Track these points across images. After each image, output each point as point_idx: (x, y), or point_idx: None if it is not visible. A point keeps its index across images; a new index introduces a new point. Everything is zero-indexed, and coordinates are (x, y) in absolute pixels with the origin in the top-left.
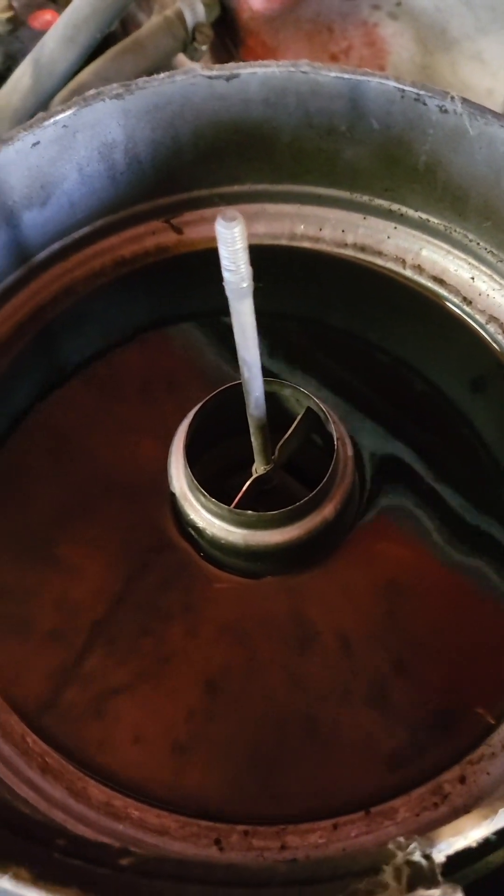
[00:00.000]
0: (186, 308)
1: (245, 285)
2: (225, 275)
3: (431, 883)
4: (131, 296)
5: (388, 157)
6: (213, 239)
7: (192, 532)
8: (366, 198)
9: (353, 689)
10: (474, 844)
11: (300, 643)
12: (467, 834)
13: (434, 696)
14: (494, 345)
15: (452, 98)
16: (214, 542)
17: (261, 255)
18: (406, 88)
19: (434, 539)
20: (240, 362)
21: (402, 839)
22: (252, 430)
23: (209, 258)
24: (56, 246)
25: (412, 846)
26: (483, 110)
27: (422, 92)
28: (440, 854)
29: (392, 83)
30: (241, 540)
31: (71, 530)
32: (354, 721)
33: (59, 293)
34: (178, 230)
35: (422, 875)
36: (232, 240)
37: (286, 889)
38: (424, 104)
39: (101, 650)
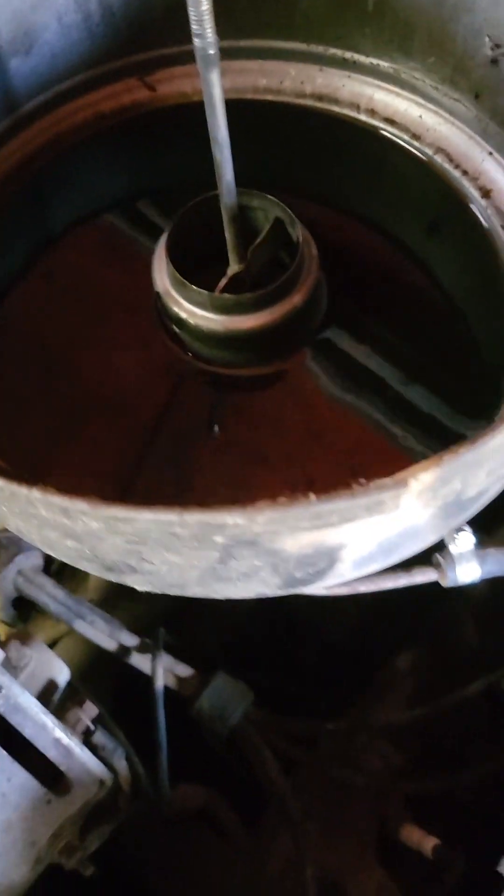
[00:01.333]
0: (161, 166)
1: (212, 52)
2: (194, 41)
3: None
4: (112, 151)
5: (339, 2)
6: (184, 94)
7: (175, 328)
8: (321, 48)
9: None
10: None
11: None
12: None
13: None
14: (441, 172)
15: None
16: (196, 332)
17: (227, 109)
18: None
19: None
20: (211, 142)
21: None
22: (225, 221)
23: (180, 114)
24: (41, 98)
25: None
26: None
27: None
28: None
29: None
30: (220, 326)
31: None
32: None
33: (45, 144)
34: (152, 87)
35: None
36: (198, 0)
37: None
38: None
39: None
